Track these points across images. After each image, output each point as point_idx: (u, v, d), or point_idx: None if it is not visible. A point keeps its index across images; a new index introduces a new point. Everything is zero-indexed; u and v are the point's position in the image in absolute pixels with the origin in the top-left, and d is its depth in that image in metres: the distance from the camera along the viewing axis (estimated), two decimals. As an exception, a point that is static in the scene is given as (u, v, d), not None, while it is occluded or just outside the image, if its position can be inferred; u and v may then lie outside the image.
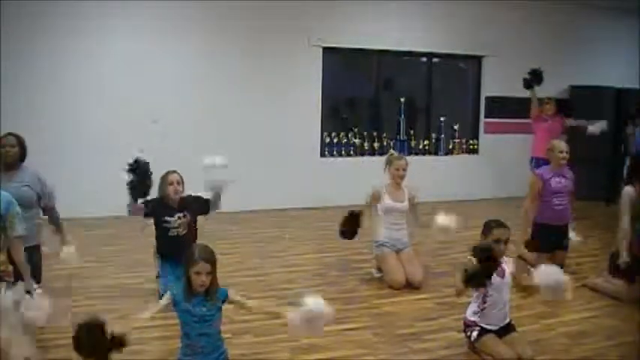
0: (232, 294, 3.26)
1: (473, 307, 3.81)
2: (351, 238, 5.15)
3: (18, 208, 3.63)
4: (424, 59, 9.05)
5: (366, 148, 8.56)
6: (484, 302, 3.72)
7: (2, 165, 4.42)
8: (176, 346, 3.60)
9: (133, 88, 7.16)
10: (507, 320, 3.79)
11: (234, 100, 7.65)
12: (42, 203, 4.47)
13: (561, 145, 5.37)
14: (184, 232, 4.55)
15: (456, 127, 9.14)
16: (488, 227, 3.77)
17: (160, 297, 4.22)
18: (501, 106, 9.16)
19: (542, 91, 7.97)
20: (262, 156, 7.80)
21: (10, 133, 4.54)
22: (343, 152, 8.45)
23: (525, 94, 8.05)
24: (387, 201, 5.14)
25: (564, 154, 5.29)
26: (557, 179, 5.30)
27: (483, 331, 3.71)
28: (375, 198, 5.18)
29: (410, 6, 8.50)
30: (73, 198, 6.85)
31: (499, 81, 9.10)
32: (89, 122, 7.02)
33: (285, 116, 7.92)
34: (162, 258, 4.60)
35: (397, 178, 5.18)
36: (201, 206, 4.63)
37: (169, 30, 7.34)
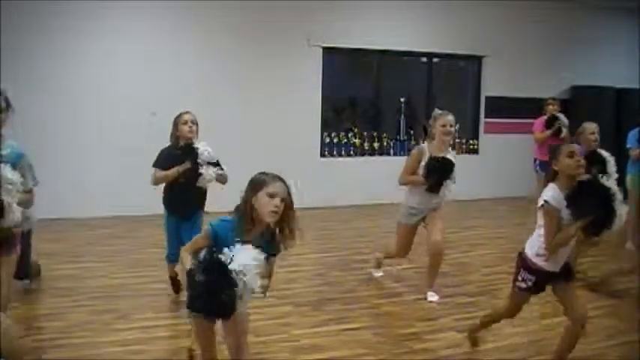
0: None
1: (537, 247, 3.25)
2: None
3: (29, 160, 3.44)
4: (424, 59, 9.05)
5: (366, 148, 8.56)
6: None
7: None
8: (178, 346, 3.61)
9: (132, 88, 7.16)
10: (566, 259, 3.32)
11: (234, 100, 7.64)
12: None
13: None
14: (190, 182, 4.15)
15: (456, 127, 9.12)
16: (555, 149, 3.25)
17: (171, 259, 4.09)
18: (501, 106, 9.17)
19: (542, 91, 7.96)
20: (262, 156, 7.76)
21: None
22: (343, 152, 8.45)
23: (525, 94, 8.02)
24: None
25: None
26: None
27: (537, 283, 3.32)
28: (417, 159, 4.62)
29: (410, 6, 8.51)
30: (73, 198, 6.90)
31: (499, 81, 9.11)
32: (89, 122, 7.02)
33: (285, 116, 7.92)
34: (168, 213, 4.31)
35: (443, 135, 4.65)
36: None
37: (169, 30, 7.35)
